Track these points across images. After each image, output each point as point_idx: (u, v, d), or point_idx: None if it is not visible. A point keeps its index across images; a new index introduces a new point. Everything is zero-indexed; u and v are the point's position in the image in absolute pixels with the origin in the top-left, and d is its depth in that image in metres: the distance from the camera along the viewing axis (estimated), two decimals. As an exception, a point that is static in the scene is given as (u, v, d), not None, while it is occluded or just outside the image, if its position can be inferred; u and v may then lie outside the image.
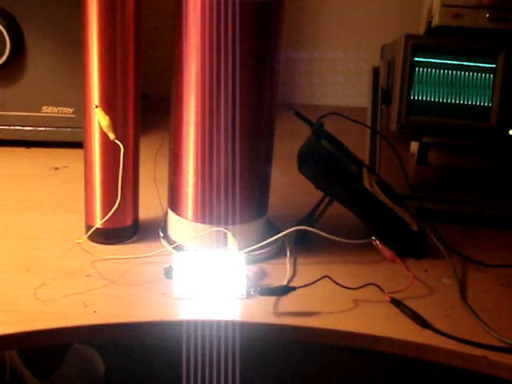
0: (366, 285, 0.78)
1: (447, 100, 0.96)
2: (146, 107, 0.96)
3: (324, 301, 0.76)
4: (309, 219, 0.87)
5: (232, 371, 0.75)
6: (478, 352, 0.70)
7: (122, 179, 0.80)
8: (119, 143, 0.79)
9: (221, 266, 0.76)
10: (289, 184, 0.98)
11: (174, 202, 0.84)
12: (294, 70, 1.52)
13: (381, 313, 0.75)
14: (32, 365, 1.20)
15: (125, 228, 0.85)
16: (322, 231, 0.83)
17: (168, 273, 0.78)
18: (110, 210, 0.81)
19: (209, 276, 0.76)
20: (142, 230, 0.88)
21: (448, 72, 0.96)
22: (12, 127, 1.14)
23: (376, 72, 1.07)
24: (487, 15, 0.99)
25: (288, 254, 0.84)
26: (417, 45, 0.95)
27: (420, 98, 0.96)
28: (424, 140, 1.11)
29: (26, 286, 0.75)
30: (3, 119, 1.13)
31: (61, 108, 1.13)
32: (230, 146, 0.78)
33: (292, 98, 1.52)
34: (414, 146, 1.18)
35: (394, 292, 0.77)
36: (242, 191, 0.81)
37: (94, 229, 0.83)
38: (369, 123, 1.02)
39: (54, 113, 1.13)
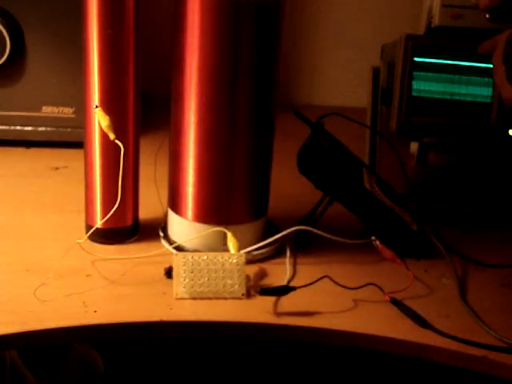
0: (365, 285, 0.78)
1: (447, 100, 0.96)
2: (146, 107, 0.96)
3: (324, 301, 0.76)
4: (309, 219, 0.87)
5: (232, 371, 0.75)
6: (477, 352, 0.70)
7: (122, 179, 0.80)
8: (119, 143, 0.79)
9: (221, 266, 0.76)
10: (289, 184, 0.98)
11: (174, 202, 0.84)
12: (294, 70, 1.52)
13: (381, 313, 0.76)
14: (32, 365, 1.20)
15: (125, 228, 0.85)
16: (322, 231, 0.83)
17: (168, 273, 0.78)
18: (110, 210, 0.81)
19: (209, 276, 0.76)
20: (142, 230, 0.88)
21: (448, 72, 0.96)
22: (12, 127, 1.14)
23: (376, 72, 1.07)
24: (487, 15, 0.99)
25: (288, 253, 0.84)
26: (417, 45, 0.95)
27: (420, 99, 0.96)
28: (424, 140, 1.11)
29: (26, 285, 0.75)
30: (3, 119, 1.13)
31: (61, 108, 1.13)
32: (230, 146, 0.78)
33: (292, 98, 1.52)
34: (414, 146, 1.18)
35: (394, 292, 0.77)
36: (242, 191, 0.81)
37: (94, 229, 0.83)
38: (369, 123, 1.02)
39: (54, 113, 1.13)
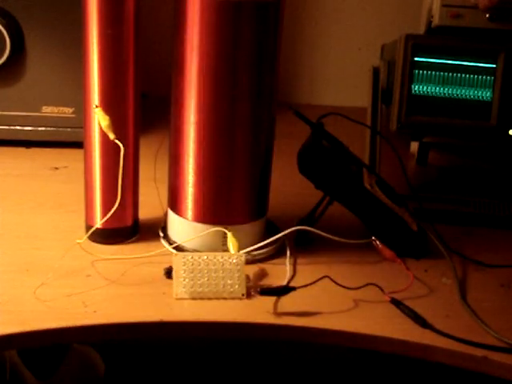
0: (365, 285, 0.78)
1: (447, 100, 0.96)
2: (146, 107, 0.96)
3: (324, 301, 0.76)
4: (309, 219, 0.87)
5: (232, 371, 0.75)
6: (478, 352, 0.70)
7: (121, 179, 0.80)
8: (119, 143, 0.79)
9: (221, 266, 0.76)
10: (289, 184, 0.98)
11: (174, 202, 0.84)
12: (293, 70, 1.52)
13: (381, 313, 0.76)
14: (32, 365, 1.20)
15: (125, 228, 0.85)
16: (322, 231, 0.83)
17: (168, 273, 0.78)
18: (110, 209, 0.81)
19: (209, 276, 0.76)
20: (142, 230, 0.88)
21: (448, 72, 0.96)
22: (12, 127, 1.14)
23: (376, 72, 1.07)
24: (487, 15, 0.99)
25: (288, 253, 0.84)
26: (417, 45, 0.95)
27: (420, 98, 0.96)
28: (424, 140, 1.11)
29: (26, 285, 0.75)
30: (3, 119, 1.13)
31: (61, 108, 1.13)
32: (230, 146, 0.78)
33: (292, 98, 1.52)
34: (414, 146, 1.18)
35: (394, 292, 0.77)
36: (242, 191, 0.81)
37: (94, 229, 0.83)
38: (369, 123, 1.02)
39: (54, 113, 1.13)
